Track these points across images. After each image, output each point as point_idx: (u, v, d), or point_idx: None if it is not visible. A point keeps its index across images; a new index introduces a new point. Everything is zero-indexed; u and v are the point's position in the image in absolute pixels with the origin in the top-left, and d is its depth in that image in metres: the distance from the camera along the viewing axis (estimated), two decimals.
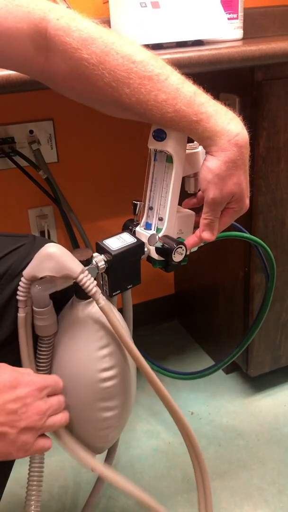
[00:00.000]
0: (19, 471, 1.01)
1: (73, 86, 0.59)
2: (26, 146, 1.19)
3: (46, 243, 0.58)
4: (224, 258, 1.19)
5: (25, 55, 0.57)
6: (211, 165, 0.58)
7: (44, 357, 0.63)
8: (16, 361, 0.59)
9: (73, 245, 1.29)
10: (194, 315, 1.46)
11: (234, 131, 0.57)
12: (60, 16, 0.56)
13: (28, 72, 0.61)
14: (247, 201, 0.63)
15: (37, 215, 1.27)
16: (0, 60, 0.58)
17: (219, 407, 1.23)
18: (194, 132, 0.58)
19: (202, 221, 0.63)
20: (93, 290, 0.57)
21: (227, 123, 0.57)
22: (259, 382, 1.29)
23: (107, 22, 1.06)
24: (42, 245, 0.58)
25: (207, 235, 0.64)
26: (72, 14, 0.57)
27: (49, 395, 0.58)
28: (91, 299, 0.60)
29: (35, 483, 0.64)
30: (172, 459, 1.09)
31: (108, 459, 0.89)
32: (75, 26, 0.56)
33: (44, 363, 0.63)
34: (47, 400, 0.57)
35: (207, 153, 0.60)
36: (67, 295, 0.66)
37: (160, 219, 0.66)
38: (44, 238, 0.75)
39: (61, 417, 0.59)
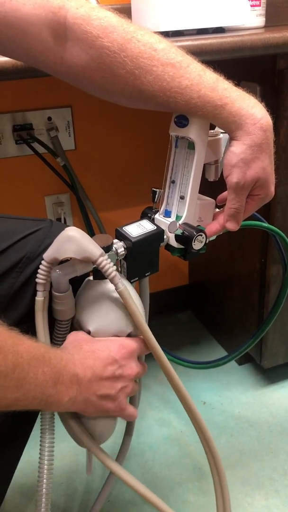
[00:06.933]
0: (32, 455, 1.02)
1: (93, 77, 0.58)
2: (44, 133, 1.19)
3: (63, 227, 0.59)
4: (240, 249, 1.18)
5: (44, 44, 0.56)
6: (236, 149, 0.58)
7: (61, 340, 0.63)
8: None
9: (89, 233, 1.29)
10: (208, 306, 1.46)
11: (259, 115, 0.57)
12: (80, 5, 0.56)
13: (45, 64, 0.60)
14: (272, 188, 0.62)
15: (53, 202, 1.27)
16: (18, 50, 0.58)
17: (231, 397, 1.23)
18: (219, 117, 0.58)
19: (227, 211, 0.63)
20: (112, 274, 0.57)
21: (251, 107, 0.57)
22: (272, 374, 1.28)
23: (128, 9, 1.05)
24: (59, 230, 0.58)
25: (232, 226, 0.64)
26: (91, 4, 0.57)
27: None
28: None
29: (44, 480, 0.61)
30: (184, 447, 1.10)
31: (122, 451, 0.88)
32: (95, 15, 0.55)
33: (60, 345, 0.63)
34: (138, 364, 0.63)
35: (231, 138, 0.59)
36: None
37: (180, 206, 0.65)
38: (61, 223, 0.75)
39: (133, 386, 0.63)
